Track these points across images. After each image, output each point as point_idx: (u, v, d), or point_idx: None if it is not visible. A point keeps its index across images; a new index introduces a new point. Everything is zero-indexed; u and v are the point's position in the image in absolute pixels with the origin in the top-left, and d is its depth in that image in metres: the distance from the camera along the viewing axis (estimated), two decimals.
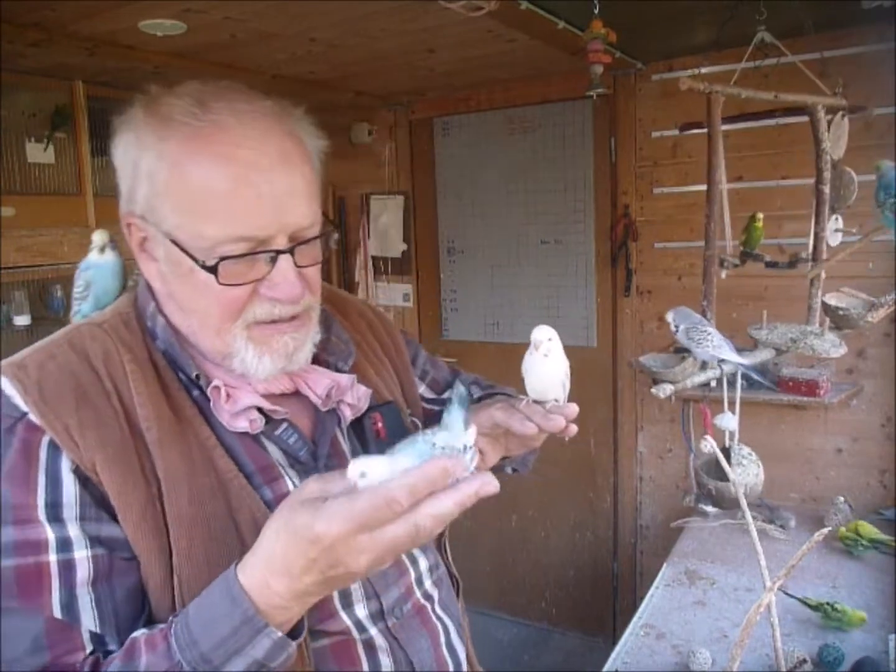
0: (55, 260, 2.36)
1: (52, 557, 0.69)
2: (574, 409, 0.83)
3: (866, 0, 1.90)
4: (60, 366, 0.76)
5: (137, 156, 0.76)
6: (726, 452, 1.49)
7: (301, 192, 0.78)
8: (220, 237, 0.74)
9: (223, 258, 0.74)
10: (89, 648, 0.69)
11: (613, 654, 1.64)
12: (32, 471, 0.70)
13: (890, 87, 2.15)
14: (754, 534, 1.17)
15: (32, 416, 0.72)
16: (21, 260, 2.29)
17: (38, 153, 2.39)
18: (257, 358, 0.79)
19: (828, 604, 1.65)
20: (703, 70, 2.14)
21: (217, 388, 0.79)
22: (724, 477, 1.42)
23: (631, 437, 2.95)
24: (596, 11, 1.68)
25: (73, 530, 0.70)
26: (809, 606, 1.68)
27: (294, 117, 0.82)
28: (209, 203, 0.74)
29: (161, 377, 0.79)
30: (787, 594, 1.72)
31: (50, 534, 0.69)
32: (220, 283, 0.75)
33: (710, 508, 2.34)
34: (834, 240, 1.67)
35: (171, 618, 0.68)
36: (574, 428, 0.84)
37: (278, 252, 0.76)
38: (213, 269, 0.74)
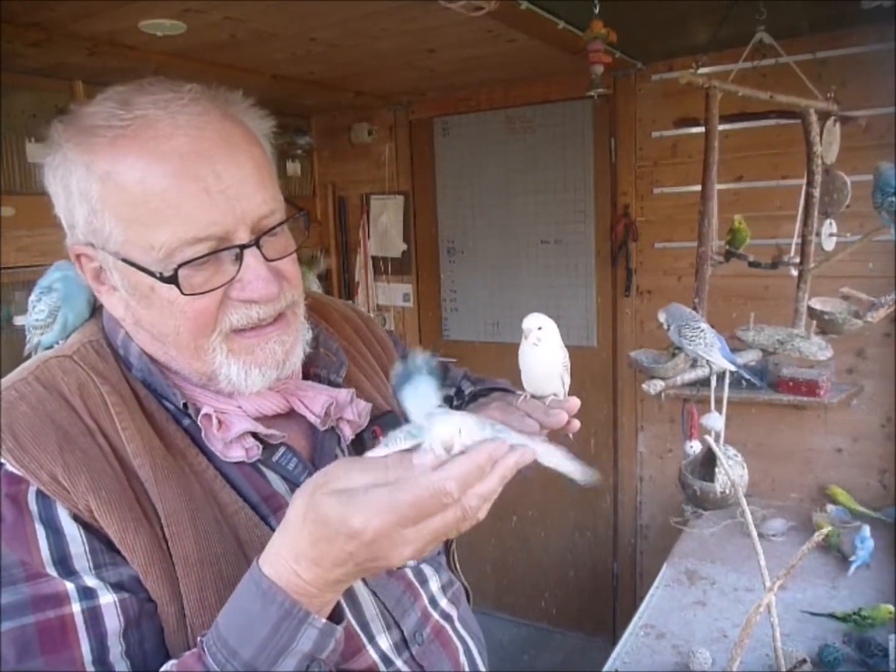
0: (55, 260, 2.34)
1: (76, 607, 0.63)
2: (575, 403, 0.77)
3: (866, 0, 1.90)
4: (33, 406, 0.68)
5: (66, 177, 0.69)
6: (711, 453, 1.49)
7: (252, 176, 0.69)
8: (173, 243, 0.66)
9: (181, 265, 0.67)
10: None
11: (613, 654, 1.64)
12: (28, 527, 0.63)
13: (889, 87, 2.15)
14: (754, 534, 1.17)
15: (11, 467, 0.64)
16: (21, 260, 2.29)
17: (39, 153, 2.38)
18: (244, 372, 0.72)
19: (855, 613, 1.63)
20: (703, 69, 2.14)
21: (208, 415, 0.73)
22: (706, 477, 1.41)
23: (631, 437, 2.95)
24: (596, 11, 1.68)
25: (91, 581, 0.64)
26: (839, 619, 1.65)
27: (229, 100, 0.74)
28: (151, 207, 0.66)
29: (144, 408, 0.72)
30: (813, 614, 1.70)
31: (68, 584, 0.63)
32: (185, 294, 0.68)
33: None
34: (828, 244, 1.67)
35: (199, 638, 0.62)
36: (576, 423, 0.78)
37: (242, 247, 0.68)
38: (172, 280, 0.67)
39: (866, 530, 1.97)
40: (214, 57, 2.27)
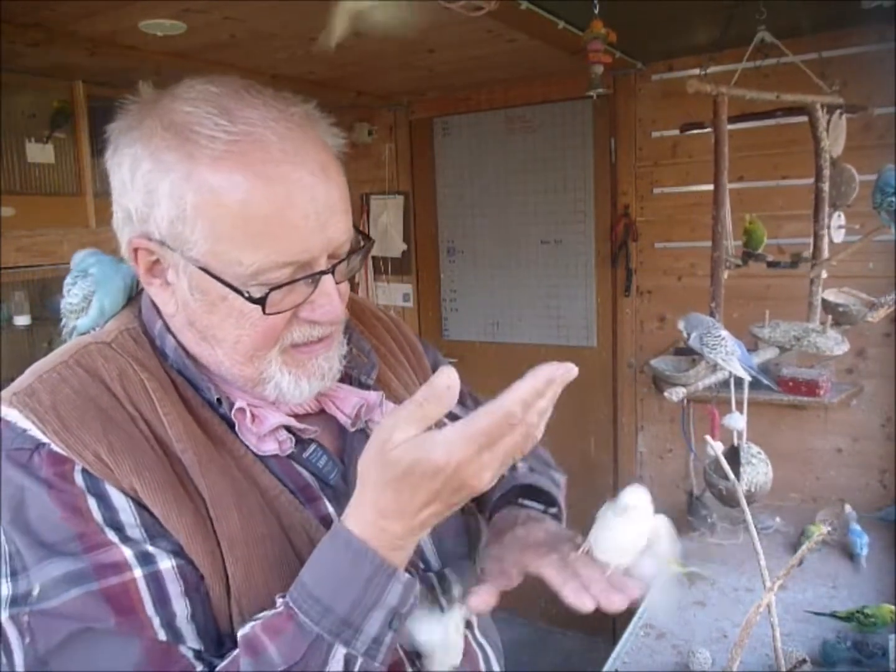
0: (55, 260, 2.36)
1: (138, 573, 0.64)
2: (637, 591, 0.73)
3: (866, 0, 1.90)
4: (76, 389, 0.69)
5: (154, 175, 0.67)
6: (735, 452, 1.50)
7: (340, 205, 0.71)
8: (263, 264, 0.67)
9: (273, 288, 0.68)
10: (199, 668, 0.64)
11: (613, 654, 1.64)
12: (79, 499, 0.65)
13: (890, 87, 2.15)
14: (754, 534, 1.17)
15: (55, 447, 0.65)
16: (21, 260, 2.29)
17: (38, 153, 2.39)
18: (294, 382, 0.74)
19: (858, 612, 1.63)
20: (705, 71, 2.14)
21: (241, 409, 0.74)
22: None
23: (631, 437, 2.95)
24: (596, 11, 1.68)
25: (149, 547, 0.66)
26: (840, 618, 1.65)
27: (317, 119, 0.74)
28: (250, 228, 0.66)
29: (182, 395, 0.74)
30: (816, 613, 1.70)
31: (127, 551, 0.64)
32: (265, 314, 0.69)
33: (711, 518, 2.31)
34: (837, 236, 1.67)
35: (280, 599, 0.64)
36: (625, 604, 0.74)
37: (322, 273, 0.71)
38: (260, 301, 0.68)
39: (857, 527, 2.06)
40: (214, 57, 2.27)
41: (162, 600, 0.65)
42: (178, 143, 0.67)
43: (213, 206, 0.66)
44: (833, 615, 1.66)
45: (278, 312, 0.70)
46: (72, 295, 0.91)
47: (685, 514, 2.40)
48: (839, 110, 1.65)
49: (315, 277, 0.70)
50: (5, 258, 2.24)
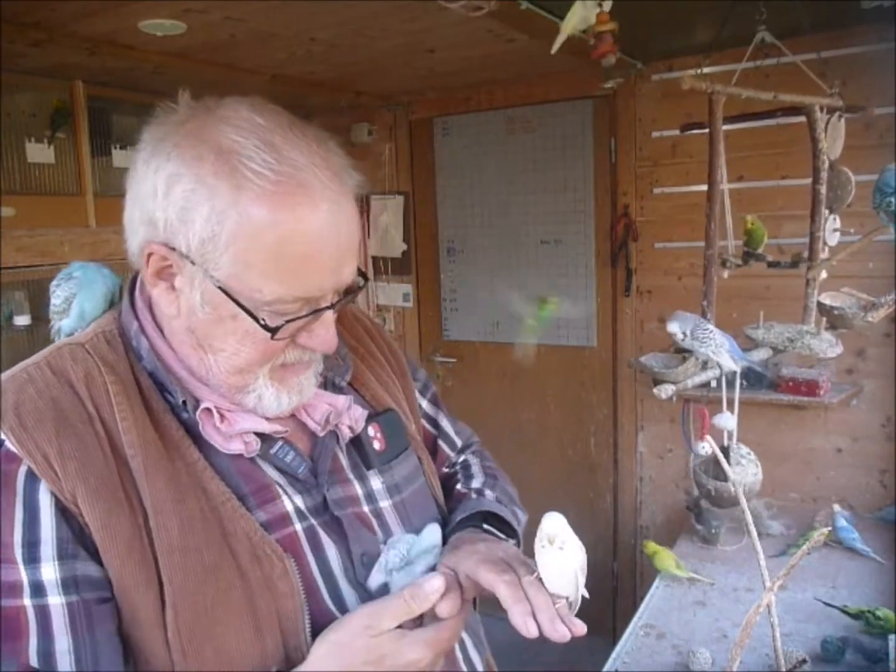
0: (55, 260, 2.36)
1: (28, 602, 0.67)
2: (582, 629, 0.74)
3: (866, 0, 1.90)
4: (40, 390, 0.73)
5: (196, 196, 0.69)
6: (725, 452, 1.49)
7: (354, 249, 0.77)
8: (282, 296, 0.72)
9: (289, 320, 0.73)
10: None
11: (613, 654, 1.65)
12: (10, 507, 0.68)
13: (890, 87, 2.15)
14: (754, 534, 1.17)
15: (9, 444, 0.69)
16: (21, 260, 2.29)
17: (38, 153, 2.39)
18: (276, 396, 0.79)
19: (869, 611, 1.63)
20: (705, 70, 2.14)
21: (208, 410, 0.77)
22: (721, 477, 1.42)
23: (631, 437, 2.95)
24: (608, 9, 1.66)
25: (48, 573, 0.68)
26: (849, 615, 1.64)
27: (347, 166, 0.77)
28: (280, 264, 0.70)
29: (146, 399, 0.76)
30: (826, 604, 1.70)
31: (24, 577, 0.67)
32: (274, 339, 0.74)
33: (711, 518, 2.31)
34: (832, 240, 1.67)
35: None
36: (568, 636, 0.75)
37: (327, 308, 0.76)
38: (275, 330, 0.73)
39: (841, 520, 2.11)
40: (214, 57, 2.27)
41: (45, 633, 0.67)
42: (226, 171, 0.69)
43: (250, 238, 0.69)
44: (844, 610, 1.66)
45: (283, 339, 0.75)
46: (55, 297, 0.95)
47: (685, 513, 2.40)
48: (838, 112, 1.65)
49: (319, 311, 0.75)
50: (5, 258, 2.24)
